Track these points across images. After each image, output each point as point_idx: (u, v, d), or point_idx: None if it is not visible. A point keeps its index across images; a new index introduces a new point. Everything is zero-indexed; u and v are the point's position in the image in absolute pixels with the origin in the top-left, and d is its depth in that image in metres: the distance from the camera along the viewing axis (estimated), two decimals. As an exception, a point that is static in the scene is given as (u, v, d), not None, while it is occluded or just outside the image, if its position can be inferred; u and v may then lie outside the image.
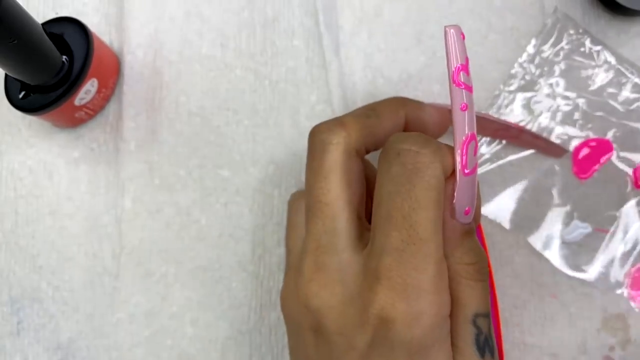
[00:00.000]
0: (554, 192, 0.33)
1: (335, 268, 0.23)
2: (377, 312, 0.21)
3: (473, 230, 0.23)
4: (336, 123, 0.25)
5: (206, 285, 0.33)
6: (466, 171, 0.22)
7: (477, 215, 0.24)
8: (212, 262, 0.33)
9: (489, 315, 0.23)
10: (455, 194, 0.22)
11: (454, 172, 0.22)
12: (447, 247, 0.22)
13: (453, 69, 0.21)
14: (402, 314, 0.21)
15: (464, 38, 0.21)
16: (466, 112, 0.21)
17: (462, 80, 0.21)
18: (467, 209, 0.22)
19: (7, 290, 0.34)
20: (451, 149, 0.22)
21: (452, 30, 0.21)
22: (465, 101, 0.21)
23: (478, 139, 0.33)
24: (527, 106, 0.34)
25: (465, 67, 0.21)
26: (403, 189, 0.21)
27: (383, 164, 0.23)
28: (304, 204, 0.26)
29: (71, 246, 0.34)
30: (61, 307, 0.34)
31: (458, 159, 0.22)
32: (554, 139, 0.33)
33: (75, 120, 0.34)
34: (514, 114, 0.34)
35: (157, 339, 0.33)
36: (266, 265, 0.33)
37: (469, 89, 0.21)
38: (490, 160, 0.33)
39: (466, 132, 0.21)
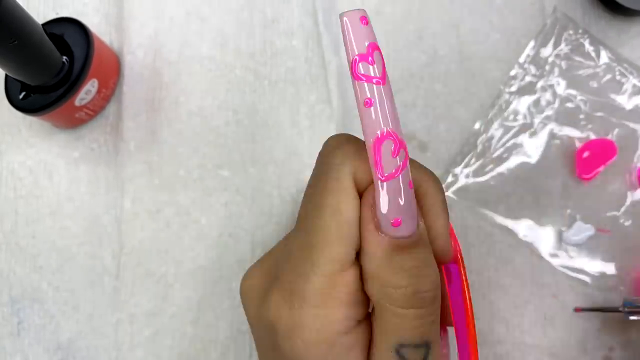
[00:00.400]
0: (557, 193, 0.33)
1: (273, 251, 0.23)
2: (268, 313, 0.20)
3: (410, 244, 0.19)
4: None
5: (206, 285, 0.33)
6: (382, 175, 0.18)
7: (437, 227, 0.21)
8: (212, 262, 0.33)
9: (425, 345, 0.20)
10: (376, 203, 0.19)
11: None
12: (371, 265, 0.19)
13: (350, 61, 0.18)
14: (284, 320, 0.19)
15: (366, 23, 0.18)
16: (372, 107, 0.18)
17: (363, 71, 0.18)
18: (396, 219, 0.19)
19: (7, 290, 0.34)
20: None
21: (345, 19, 0.18)
22: (368, 95, 0.18)
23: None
24: (528, 107, 0.34)
25: (365, 57, 0.18)
26: (309, 190, 0.20)
27: None
28: None
29: (71, 246, 0.34)
30: (61, 307, 0.34)
31: (371, 162, 0.18)
32: (555, 139, 0.33)
33: (75, 121, 0.34)
34: (515, 115, 0.34)
35: (157, 339, 0.33)
36: (266, 265, 0.33)
37: (373, 79, 0.18)
38: (494, 162, 0.33)
39: (376, 132, 0.18)
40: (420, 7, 0.35)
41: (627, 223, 0.32)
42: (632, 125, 0.33)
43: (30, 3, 0.37)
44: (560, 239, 0.32)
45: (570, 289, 0.32)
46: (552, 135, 0.33)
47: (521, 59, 0.34)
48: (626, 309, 0.29)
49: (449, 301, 0.22)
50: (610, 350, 0.32)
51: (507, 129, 0.34)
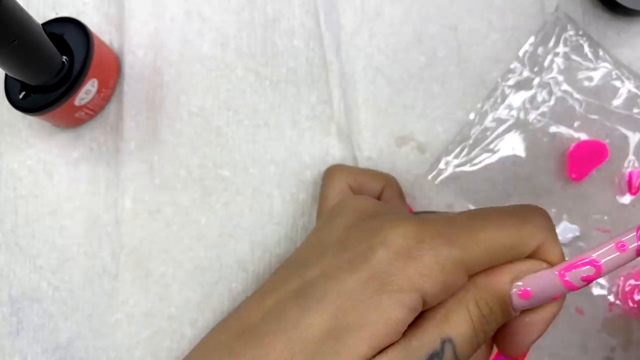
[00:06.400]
0: (546, 191, 0.33)
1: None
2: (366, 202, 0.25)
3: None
4: None
5: (206, 286, 0.33)
6: (563, 275, 0.20)
7: (526, 341, 0.23)
8: (211, 262, 0.33)
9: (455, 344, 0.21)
10: (536, 275, 0.21)
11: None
12: (489, 277, 0.22)
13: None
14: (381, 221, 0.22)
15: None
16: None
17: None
18: (527, 292, 0.21)
19: (7, 290, 0.34)
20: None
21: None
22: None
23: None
24: (523, 102, 0.34)
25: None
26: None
27: None
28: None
29: (71, 246, 0.34)
30: (60, 307, 0.33)
31: (571, 260, 0.20)
32: (548, 137, 0.33)
33: (75, 120, 0.34)
34: (510, 110, 0.34)
35: (156, 340, 0.33)
36: (266, 265, 0.33)
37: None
38: (485, 154, 0.33)
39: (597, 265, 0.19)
40: (419, 8, 0.35)
41: (614, 226, 0.32)
42: (624, 130, 0.33)
43: (30, 3, 0.37)
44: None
45: (571, 290, 0.32)
46: (545, 133, 0.33)
47: (520, 53, 0.34)
48: None
49: None
50: (612, 351, 0.32)
51: (500, 122, 0.34)
